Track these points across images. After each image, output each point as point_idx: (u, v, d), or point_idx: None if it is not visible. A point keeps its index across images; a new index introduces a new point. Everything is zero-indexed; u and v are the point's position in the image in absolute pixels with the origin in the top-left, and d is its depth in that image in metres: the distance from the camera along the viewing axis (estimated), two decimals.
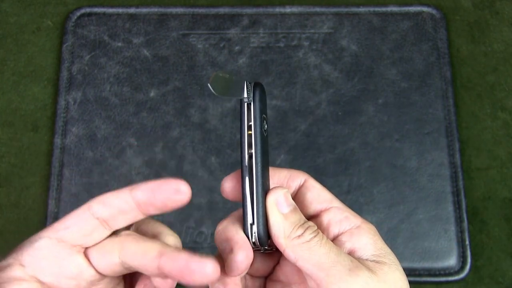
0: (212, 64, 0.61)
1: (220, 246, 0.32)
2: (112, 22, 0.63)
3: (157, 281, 0.30)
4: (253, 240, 0.31)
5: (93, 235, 0.30)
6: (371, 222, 0.34)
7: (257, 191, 0.31)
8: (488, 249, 0.56)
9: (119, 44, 0.62)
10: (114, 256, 0.30)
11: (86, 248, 0.31)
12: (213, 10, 0.64)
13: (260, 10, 0.63)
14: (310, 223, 0.32)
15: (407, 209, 0.56)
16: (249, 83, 0.31)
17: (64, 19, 0.64)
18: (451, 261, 0.55)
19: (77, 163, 0.58)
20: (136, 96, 0.60)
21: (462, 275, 0.55)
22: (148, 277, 0.32)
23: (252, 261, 0.31)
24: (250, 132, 0.31)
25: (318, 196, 0.33)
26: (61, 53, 0.62)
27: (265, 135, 0.32)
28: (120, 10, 0.64)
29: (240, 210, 0.33)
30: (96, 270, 0.30)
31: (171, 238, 0.32)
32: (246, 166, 0.31)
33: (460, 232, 0.56)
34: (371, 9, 0.64)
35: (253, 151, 0.31)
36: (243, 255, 0.30)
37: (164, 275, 0.29)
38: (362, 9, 0.64)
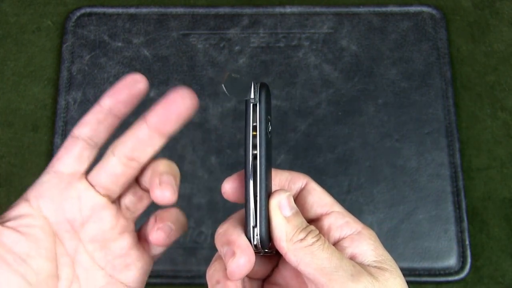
0: (212, 64, 0.61)
1: (221, 249, 0.31)
2: (112, 22, 0.63)
3: (156, 193, 0.33)
4: (255, 242, 0.31)
5: (83, 155, 0.34)
6: (371, 222, 0.34)
7: (260, 193, 0.31)
8: (488, 249, 0.56)
9: (119, 44, 0.62)
10: (110, 158, 0.33)
11: (87, 174, 0.34)
12: (213, 10, 0.64)
13: (260, 10, 0.63)
14: (312, 227, 0.32)
15: (407, 209, 0.56)
16: (256, 83, 0.31)
17: (64, 19, 0.64)
18: (451, 261, 0.55)
19: None
20: None
21: (462, 275, 0.55)
22: (160, 220, 0.34)
23: None
24: (254, 133, 0.31)
25: (319, 199, 0.33)
26: (61, 53, 0.62)
27: (269, 136, 0.32)
28: (120, 10, 0.64)
29: (240, 212, 0.33)
30: (96, 190, 0.33)
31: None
32: (250, 167, 0.31)
33: (460, 232, 0.56)
34: (371, 9, 0.64)
35: (257, 152, 0.31)
36: (245, 259, 0.30)
37: (155, 127, 0.33)
38: (362, 9, 0.64)
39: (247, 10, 0.63)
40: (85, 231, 0.33)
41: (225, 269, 0.31)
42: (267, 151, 0.31)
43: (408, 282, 0.31)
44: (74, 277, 0.33)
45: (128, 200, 0.35)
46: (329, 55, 0.62)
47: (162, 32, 0.63)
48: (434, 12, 0.63)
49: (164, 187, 0.32)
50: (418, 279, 0.55)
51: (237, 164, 0.57)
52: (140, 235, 0.36)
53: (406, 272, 0.55)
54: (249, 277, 0.35)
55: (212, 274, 0.32)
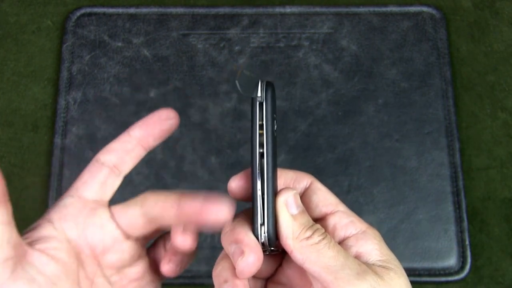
0: (212, 64, 0.61)
1: (228, 247, 0.32)
2: (112, 22, 0.63)
3: (178, 240, 0.32)
4: (262, 240, 0.31)
5: (107, 183, 0.33)
6: (371, 222, 0.34)
7: (268, 191, 0.31)
8: (488, 249, 0.56)
9: (119, 44, 0.62)
10: (136, 209, 0.32)
11: (111, 207, 0.33)
12: (213, 10, 0.64)
13: (260, 10, 0.63)
14: (318, 225, 0.32)
15: (407, 209, 0.57)
16: (262, 81, 0.32)
17: (64, 19, 0.64)
18: (451, 261, 0.55)
19: (77, 163, 0.58)
20: (136, 96, 0.60)
21: (462, 275, 0.55)
22: (171, 252, 0.34)
23: None
24: (261, 131, 0.31)
25: (324, 199, 0.33)
26: (61, 53, 0.62)
27: (275, 135, 0.32)
28: (120, 10, 0.64)
29: (245, 212, 0.33)
30: (119, 226, 0.33)
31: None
32: (257, 166, 0.31)
33: (460, 232, 0.56)
34: (371, 9, 0.64)
35: (264, 150, 0.31)
36: (254, 257, 0.30)
37: (183, 217, 0.31)
38: (362, 9, 0.64)
39: (247, 10, 0.63)
40: (105, 259, 0.33)
41: (233, 267, 0.31)
42: (274, 149, 0.31)
43: None
44: None
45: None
46: (329, 55, 0.62)
47: (162, 32, 0.63)
48: (434, 12, 0.63)
49: (186, 234, 0.32)
50: (418, 279, 0.55)
51: (237, 164, 0.57)
52: (148, 256, 0.36)
53: (406, 272, 0.55)
54: (254, 276, 0.35)
55: (219, 273, 0.32)
